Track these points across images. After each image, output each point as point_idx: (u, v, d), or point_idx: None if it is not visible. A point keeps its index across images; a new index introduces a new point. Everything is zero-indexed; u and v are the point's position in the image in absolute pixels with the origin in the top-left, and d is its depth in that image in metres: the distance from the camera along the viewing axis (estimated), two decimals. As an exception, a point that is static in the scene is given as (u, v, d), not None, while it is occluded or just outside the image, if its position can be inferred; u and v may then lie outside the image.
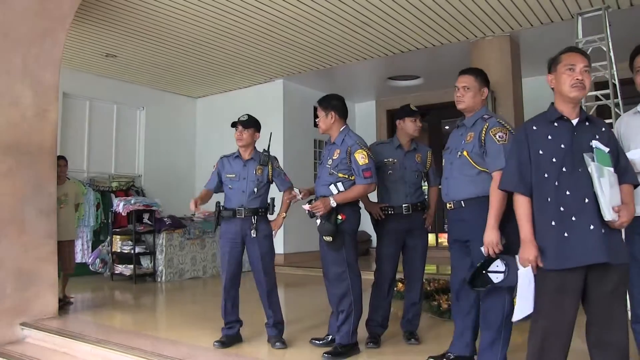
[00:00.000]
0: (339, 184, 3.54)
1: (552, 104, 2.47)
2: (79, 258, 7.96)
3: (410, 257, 4.00)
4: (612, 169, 2.30)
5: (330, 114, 3.69)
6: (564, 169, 2.33)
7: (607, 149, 2.33)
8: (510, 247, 2.88)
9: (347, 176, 3.58)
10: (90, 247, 8.13)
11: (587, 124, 2.41)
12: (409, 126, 3.97)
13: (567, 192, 2.31)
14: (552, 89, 2.48)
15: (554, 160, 2.35)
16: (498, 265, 2.81)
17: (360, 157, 3.53)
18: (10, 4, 4.61)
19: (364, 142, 3.65)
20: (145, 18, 6.37)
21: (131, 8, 6.07)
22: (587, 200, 2.27)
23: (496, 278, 2.80)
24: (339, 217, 3.49)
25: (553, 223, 2.31)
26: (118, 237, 7.86)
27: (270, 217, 4.09)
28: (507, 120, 3.18)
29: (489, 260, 2.83)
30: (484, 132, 3.02)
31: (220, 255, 4.06)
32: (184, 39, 7.10)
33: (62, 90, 6.76)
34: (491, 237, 2.80)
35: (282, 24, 6.60)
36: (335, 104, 3.71)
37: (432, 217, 4.05)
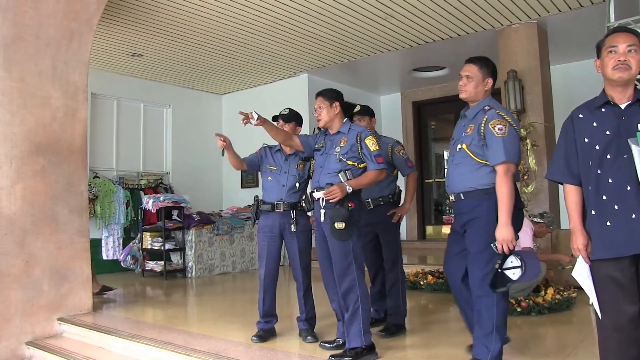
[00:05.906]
0: (348, 172, 3.40)
1: (603, 89, 2.40)
2: (110, 255, 8.14)
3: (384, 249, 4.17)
4: None
5: (335, 104, 3.57)
6: (607, 157, 2.25)
7: None
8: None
9: (355, 164, 3.46)
10: (121, 244, 8.27)
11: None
12: None
13: (610, 180, 2.23)
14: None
15: (597, 147, 2.28)
16: (512, 261, 2.77)
17: (371, 143, 3.45)
18: (39, 7, 4.69)
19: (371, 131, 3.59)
20: (169, 17, 6.43)
21: (156, 7, 6.13)
22: (629, 188, 2.18)
23: (513, 274, 2.76)
24: (349, 205, 3.35)
25: (593, 212, 2.27)
26: (148, 234, 7.97)
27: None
28: (509, 112, 3.07)
29: (504, 258, 2.77)
30: (483, 124, 2.94)
31: (258, 250, 4.07)
32: (209, 36, 7.15)
33: (90, 90, 6.88)
34: (505, 234, 2.74)
35: (306, 18, 6.59)
36: (338, 96, 3.62)
37: (405, 208, 4.14)
